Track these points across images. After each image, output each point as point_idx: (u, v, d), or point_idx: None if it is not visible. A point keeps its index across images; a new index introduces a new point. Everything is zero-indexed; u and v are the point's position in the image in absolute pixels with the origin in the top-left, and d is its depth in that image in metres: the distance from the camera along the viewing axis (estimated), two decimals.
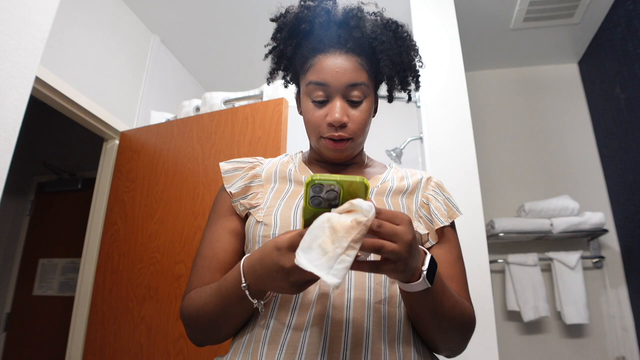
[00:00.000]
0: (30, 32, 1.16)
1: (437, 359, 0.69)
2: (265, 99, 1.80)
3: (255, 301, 0.57)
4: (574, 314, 2.16)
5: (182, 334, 1.59)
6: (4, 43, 1.08)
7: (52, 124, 3.05)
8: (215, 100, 1.93)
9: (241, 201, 0.74)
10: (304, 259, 0.45)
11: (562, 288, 2.24)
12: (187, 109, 2.03)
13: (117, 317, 1.75)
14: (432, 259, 0.54)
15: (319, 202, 0.49)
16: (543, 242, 2.45)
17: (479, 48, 2.66)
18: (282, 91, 1.78)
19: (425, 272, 0.53)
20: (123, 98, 2.24)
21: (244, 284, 0.56)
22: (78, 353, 1.81)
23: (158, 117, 2.17)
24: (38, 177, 3.01)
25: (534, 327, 2.34)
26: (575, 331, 2.29)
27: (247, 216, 0.74)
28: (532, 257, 2.31)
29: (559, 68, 2.82)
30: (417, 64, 0.77)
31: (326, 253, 0.44)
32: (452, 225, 0.74)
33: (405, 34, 0.75)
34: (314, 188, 0.49)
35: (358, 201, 0.46)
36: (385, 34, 0.72)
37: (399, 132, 2.22)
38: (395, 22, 0.75)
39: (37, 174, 3.01)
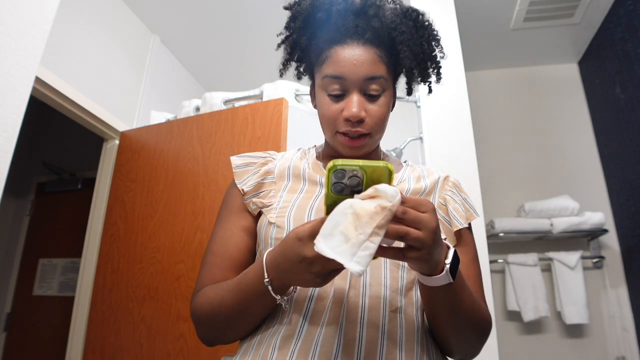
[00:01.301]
0: (30, 32, 1.16)
1: None
2: (265, 99, 1.80)
3: (278, 297, 0.56)
4: (574, 314, 2.16)
5: (182, 334, 1.60)
6: (4, 43, 1.08)
7: (52, 124, 3.05)
8: (215, 100, 1.93)
9: (253, 199, 0.71)
10: (325, 245, 0.43)
11: (562, 288, 2.24)
12: (187, 109, 2.03)
13: (117, 317, 1.75)
14: (455, 253, 0.53)
15: (342, 189, 0.48)
16: (543, 242, 2.45)
17: (479, 48, 2.65)
18: (282, 91, 1.78)
19: (448, 266, 0.51)
20: (123, 98, 2.24)
21: (267, 279, 0.55)
22: (78, 353, 1.81)
23: (158, 117, 2.17)
24: (38, 177, 3.01)
25: (534, 327, 2.34)
26: (575, 331, 2.29)
27: (259, 214, 0.71)
28: (532, 257, 2.31)
29: (559, 68, 2.82)
30: (439, 54, 0.74)
31: (349, 240, 0.43)
32: (469, 226, 0.72)
33: (427, 23, 0.72)
34: (336, 174, 0.47)
35: (383, 186, 0.45)
36: (405, 24, 0.68)
37: (399, 132, 2.21)
38: (416, 11, 0.71)
39: (37, 174, 3.01)
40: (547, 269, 2.37)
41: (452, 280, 0.52)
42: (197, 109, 2.01)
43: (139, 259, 1.79)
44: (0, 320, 2.70)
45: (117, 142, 2.12)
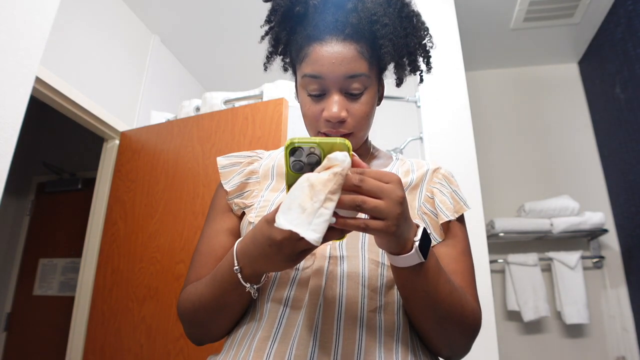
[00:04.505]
0: (30, 32, 1.16)
1: None
2: (265, 99, 1.80)
3: (247, 285, 0.55)
4: (574, 314, 2.16)
5: (182, 334, 1.59)
6: (4, 43, 1.08)
7: (52, 124, 3.05)
8: (215, 100, 1.93)
9: (236, 200, 0.71)
10: (283, 219, 0.43)
11: (562, 288, 2.24)
12: (187, 109, 2.03)
13: (117, 317, 1.75)
14: (424, 231, 0.51)
15: (301, 167, 0.48)
16: (543, 242, 2.45)
17: (479, 48, 2.65)
18: (282, 91, 1.78)
19: (417, 243, 0.49)
20: (123, 98, 2.24)
21: (236, 267, 0.54)
22: (78, 353, 1.81)
23: (158, 117, 2.17)
24: (38, 177, 3.01)
25: (534, 327, 2.34)
26: (575, 331, 2.29)
27: (243, 214, 0.71)
28: (532, 257, 2.31)
29: (559, 68, 2.82)
30: (428, 43, 0.70)
31: (305, 210, 0.43)
32: (460, 219, 0.69)
33: (412, 12, 0.68)
34: (293, 152, 0.47)
35: (333, 154, 0.45)
36: (388, 15, 0.64)
37: (399, 132, 2.21)
38: (401, 0, 0.68)
39: (37, 174, 3.01)
40: (547, 269, 2.37)
41: (423, 260, 0.50)
42: (197, 109, 2.01)
43: (139, 259, 1.79)
44: (0, 320, 2.70)
45: (117, 142, 2.12)
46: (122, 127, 2.14)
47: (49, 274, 2.76)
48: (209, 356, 0.66)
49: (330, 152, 0.47)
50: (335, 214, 0.45)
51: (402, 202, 0.46)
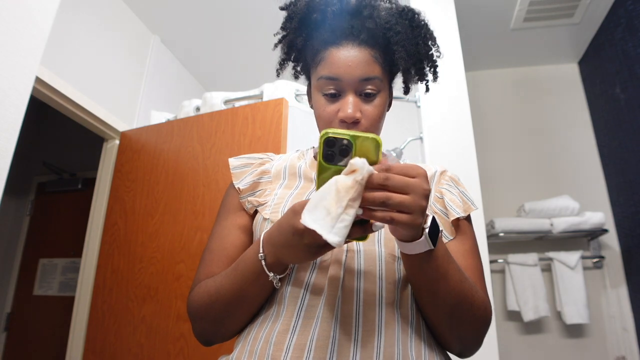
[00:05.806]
0: (30, 32, 1.16)
1: (450, 358, 0.66)
2: (265, 99, 1.80)
3: (271, 274, 0.57)
4: (574, 313, 2.16)
5: (182, 334, 1.60)
6: (4, 43, 1.08)
7: (52, 124, 3.05)
8: (216, 100, 1.93)
9: (249, 198, 0.73)
10: (309, 217, 0.46)
11: (562, 288, 2.24)
12: (187, 109, 2.03)
13: (117, 317, 1.75)
14: (434, 219, 0.52)
15: (332, 158, 0.50)
16: (543, 242, 2.45)
17: (479, 48, 2.65)
18: (282, 91, 1.78)
19: (427, 230, 0.51)
20: (123, 98, 2.24)
21: (261, 254, 0.56)
22: (78, 353, 1.81)
23: (158, 117, 2.17)
24: (38, 177, 3.01)
25: (534, 327, 2.34)
26: (575, 331, 2.29)
27: (255, 212, 0.73)
28: (532, 257, 2.31)
29: (559, 68, 2.82)
30: (435, 53, 0.74)
31: (330, 213, 0.46)
32: (468, 219, 0.72)
33: (423, 22, 0.72)
34: (327, 142, 0.49)
35: (355, 160, 0.47)
36: (400, 24, 0.68)
37: (399, 132, 2.21)
38: (412, 10, 0.72)
39: (37, 174, 3.01)
40: (547, 269, 2.37)
41: (432, 247, 0.52)
42: (197, 109, 2.01)
43: (139, 259, 1.79)
44: (0, 320, 2.70)
45: (117, 142, 2.12)
46: (122, 127, 2.14)
47: (49, 274, 2.76)
48: (220, 356, 0.66)
49: (361, 145, 0.49)
50: (362, 207, 0.47)
51: (428, 196, 0.48)
